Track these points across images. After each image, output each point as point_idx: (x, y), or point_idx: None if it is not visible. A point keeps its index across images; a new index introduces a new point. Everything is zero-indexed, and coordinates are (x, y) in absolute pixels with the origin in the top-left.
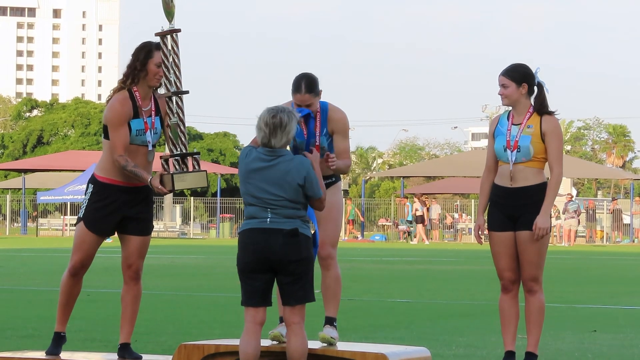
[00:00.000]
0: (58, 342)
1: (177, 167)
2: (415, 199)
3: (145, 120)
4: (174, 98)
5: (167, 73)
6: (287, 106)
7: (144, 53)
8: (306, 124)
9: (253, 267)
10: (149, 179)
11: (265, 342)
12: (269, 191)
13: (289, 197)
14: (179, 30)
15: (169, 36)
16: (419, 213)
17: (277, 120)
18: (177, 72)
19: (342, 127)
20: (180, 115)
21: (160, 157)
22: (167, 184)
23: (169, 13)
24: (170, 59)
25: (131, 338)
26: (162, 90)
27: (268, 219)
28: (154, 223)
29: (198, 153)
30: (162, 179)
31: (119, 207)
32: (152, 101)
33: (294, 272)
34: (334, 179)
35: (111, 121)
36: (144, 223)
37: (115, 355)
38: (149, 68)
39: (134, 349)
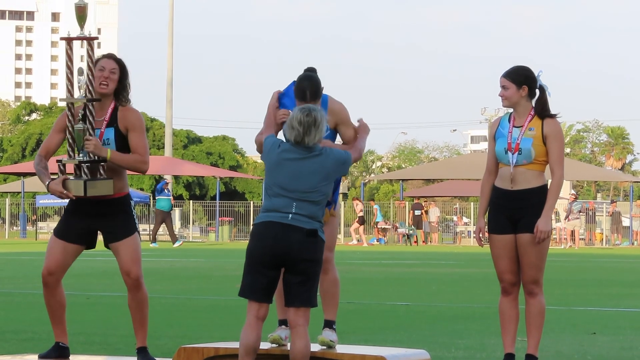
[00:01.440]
0: (55, 351)
1: (86, 173)
2: (357, 202)
3: (95, 130)
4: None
5: (71, 78)
6: (316, 105)
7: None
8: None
9: (265, 259)
10: (47, 183)
11: (265, 345)
12: (301, 181)
13: (315, 199)
14: (95, 38)
15: (85, 43)
16: (360, 214)
17: (311, 118)
18: (91, 79)
19: (344, 117)
20: (91, 121)
21: (60, 161)
22: (75, 189)
23: (82, 18)
24: (86, 67)
25: (130, 341)
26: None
27: (290, 215)
28: (152, 226)
29: (105, 160)
30: (66, 184)
31: (88, 218)
32: (109, 112)
33: (304, 272)
34: None
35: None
36: (121, 228)
37: (114, 359)
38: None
39: (132, 353)
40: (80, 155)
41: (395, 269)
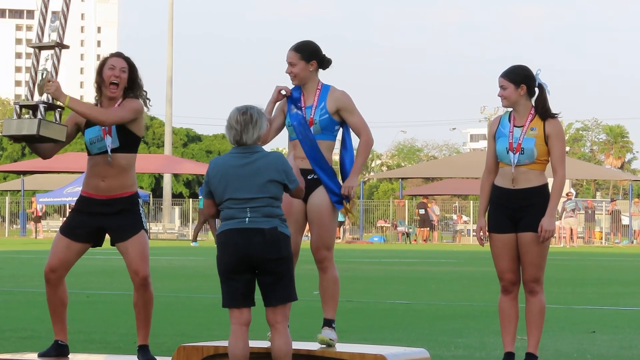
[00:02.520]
0: (55, 349)
1: (42, 114)
2: None
3: (103, 128)
4: (54, 51)
5: (42, 24)
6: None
7: (100, 64)
8: (293, 100)
9: (233, 267)
10: None
11: (265, 344)
12: (248, 191)
13: (270, 194)
14: None
15: None
16: None
17: (247, 116)
18: (62, 24)
19: (344, 103)
20: (56, 66)
21: (17, 103)
22: (27, 128)
23: None
24: (61, 9)
25: (130, 339)
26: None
27: (247, 219)
28: (153, 225)
29: (62, 107)
30: (18, 123)
31: (95, 216)
32: (116, 106)
33: (273, 271)
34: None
35: None
36: (129, 227)
37: (114, 357)
38: (103, 73)
39: (132, 351)
40: (40, 98)
41: (394, 268)
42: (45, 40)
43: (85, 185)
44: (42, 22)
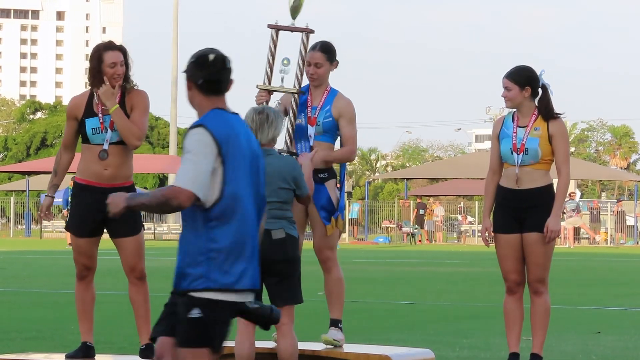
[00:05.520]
0: (82, 351)
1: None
2: None
3: (101, 120)
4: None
5: (271, 65)
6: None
7: (95, 59)
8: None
9: None
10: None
11: (270, 344)
12: None
13: (280, 199)
14: (312, 31)
15: (302, 35)
16: None
17: (263, 115)
18: (300, 72)
19: (345, 112)
20: (295, 110)
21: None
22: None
23: (296, 9)
24: (298, 58)
25: (135, 340)
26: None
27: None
28: (158, 225)
29: (296, 153)
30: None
31: (98, 208)
32: (118, 99)
33: (279, 272)
34: (326, 175)
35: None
36: (129, 223)
37: (118, 357)
38: (104, 71)
39: (136, 351)
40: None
41: (399, 268)
42: (274, 82)
43: (82, 173)
44: (271, 63)
